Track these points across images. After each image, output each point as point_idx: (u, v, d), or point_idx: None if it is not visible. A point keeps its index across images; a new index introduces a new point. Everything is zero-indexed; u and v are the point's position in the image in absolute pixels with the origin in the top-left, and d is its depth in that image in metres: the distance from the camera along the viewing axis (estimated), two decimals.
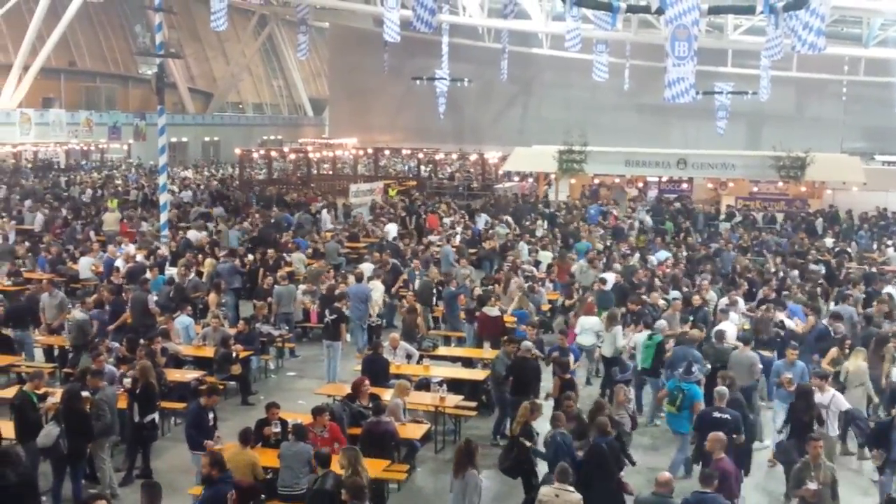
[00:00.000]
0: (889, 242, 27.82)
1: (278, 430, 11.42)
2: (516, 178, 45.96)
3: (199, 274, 20.77)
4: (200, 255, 22.64)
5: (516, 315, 17.80)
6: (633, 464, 11.58)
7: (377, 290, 19.41)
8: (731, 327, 15.78)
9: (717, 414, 11.37)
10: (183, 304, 17.73)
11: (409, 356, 15.56)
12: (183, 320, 16.86)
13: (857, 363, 13.62)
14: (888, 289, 19.67)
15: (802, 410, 11.71)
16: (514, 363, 13.63)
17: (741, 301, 18.09)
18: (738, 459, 11.55)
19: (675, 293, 18.83)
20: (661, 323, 15.70)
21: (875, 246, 28.16)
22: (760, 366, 14.03)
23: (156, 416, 12.37)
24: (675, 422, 12.65)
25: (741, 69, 44.67)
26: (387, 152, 53.43)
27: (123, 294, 18.03)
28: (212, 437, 11.24)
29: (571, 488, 9.48)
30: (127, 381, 12.57)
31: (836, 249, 26.14)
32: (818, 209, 34.41)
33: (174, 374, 14.53)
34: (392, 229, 28.25)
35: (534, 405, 11.48)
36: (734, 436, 10.97)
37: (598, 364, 16.60)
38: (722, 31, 41.22)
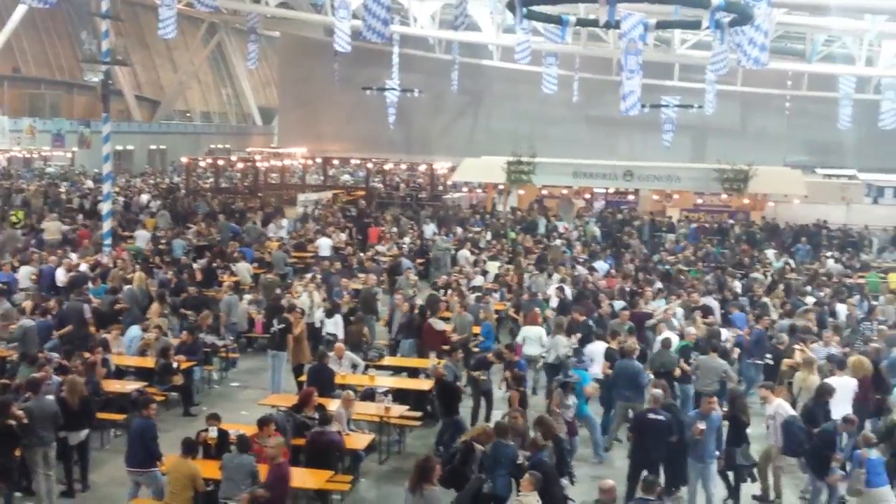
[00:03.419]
0: (829, 254, 28.37)
1: (214, 435, 11.27)
2: (465, 189, 46.08)
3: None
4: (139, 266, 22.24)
5: (484, 328, 17.72)
6: (572, 478, 11.64)
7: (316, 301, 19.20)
8: (673, 336, 15.96)
9: (652, 415, 11.67)
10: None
11: (354, 366, 15.48)
12: (131, 331, 16.62)
13: (809, 377, 13.74)
14: (839, 306, 20.02)
15: (735, 416, 12.05)
16: (437, 387, 13.58)
17: (679, 311, 18.36)
18: (676, 467, 11.79)
19: (620, 303, 19.06)
20: (690, 329, 15.93)
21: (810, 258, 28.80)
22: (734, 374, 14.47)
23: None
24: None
25: (688, 83, 45.26)
26: (336, 162, 53.28)
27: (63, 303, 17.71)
28: None
29: (527, 493, 9.49)
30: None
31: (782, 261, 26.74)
32: (737, 220, 35.20)
33: (114, 385, 14.31)
34: (324, 244, 27.23)
35: (486, 431, 11.29)
36: (671, 438, 11.55)
37: (542, 373, 16.60)
38: (669, 45, 41.77)
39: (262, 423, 11.34)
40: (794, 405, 13.18)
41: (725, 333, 16.77)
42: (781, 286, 21.97)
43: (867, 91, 42.65)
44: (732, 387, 13.99)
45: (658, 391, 12.04)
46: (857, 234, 33.30)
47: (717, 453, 11.64)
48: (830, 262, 26.93)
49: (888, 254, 31.21)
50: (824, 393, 12.62)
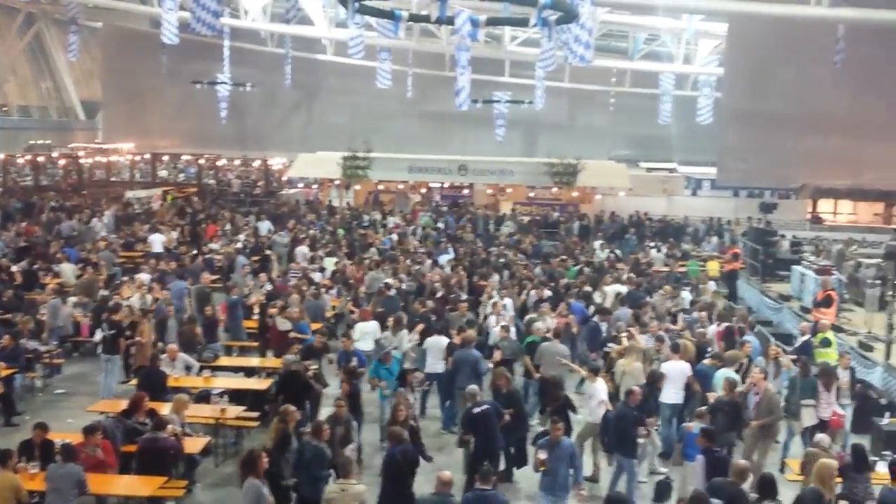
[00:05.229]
0: (651, 245, 29.65)
1: (35, 471, 10.72)
2: (301, 185, 45.63)
3: None
4: None
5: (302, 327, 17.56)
6: (430, 460, 12.03)
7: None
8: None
9: (476, 410, 11.85)
10: None
11: (188, 368, 15.08)
12: None
13: (632, 364, 14.24)
14: (684, 293, 20.97)
15: (552, 398, 12.99)
16: (283, 378, 13.41)
17: (509, 302, 18.88)
18: (516, 451, 12.15)
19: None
20: (539, 325, 16.20)
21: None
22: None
23: None
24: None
25: (518, 79, 46.12)
26: (165, 158, 51.70)
27: None
28: None
29: (354, 481, 9.63)
30: None
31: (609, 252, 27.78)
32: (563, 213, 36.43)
33: None
34: (156, 239, 26.52)
35: (287, 413, 11.31)
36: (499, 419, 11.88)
37: None
38: (500, 42, 42.61)
39: (89, 430, 10.90)
40: (616, 390, 13.74)
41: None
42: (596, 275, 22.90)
43: (685, 88, 44.80)
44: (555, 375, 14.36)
45: (474, 388, 12.36)
46: (678, 224, 34.96)
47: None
48: (653, 251, 28.19)
49: (706, 244, 32.91)
50: (656, 378, 13.38)
